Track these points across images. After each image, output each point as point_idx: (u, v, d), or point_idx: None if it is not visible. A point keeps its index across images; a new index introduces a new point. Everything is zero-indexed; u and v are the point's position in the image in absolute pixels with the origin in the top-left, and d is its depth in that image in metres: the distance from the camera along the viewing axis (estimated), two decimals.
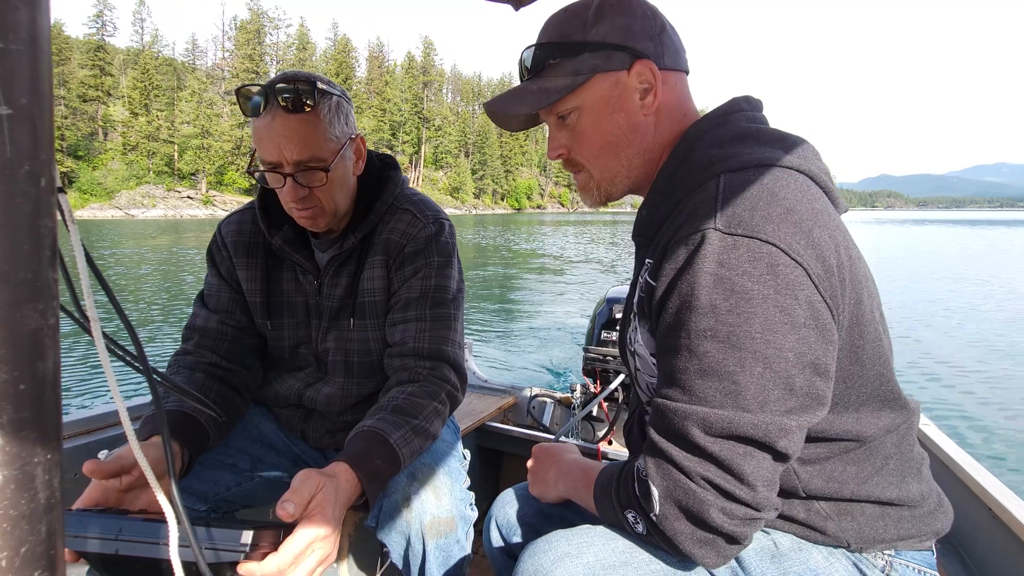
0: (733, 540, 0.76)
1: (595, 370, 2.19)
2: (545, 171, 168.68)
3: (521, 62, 0.94)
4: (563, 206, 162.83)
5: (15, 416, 0.36)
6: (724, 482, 0.74)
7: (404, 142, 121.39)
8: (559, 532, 0.87)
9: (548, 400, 2.40)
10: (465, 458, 1.37)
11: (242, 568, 0.74)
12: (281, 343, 1.37)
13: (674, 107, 0.92)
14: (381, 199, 1.31)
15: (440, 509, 1.15)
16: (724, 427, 0.73)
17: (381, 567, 1.50)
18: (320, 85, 1.15)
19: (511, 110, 0.92)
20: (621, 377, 2.11)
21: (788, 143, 0.86)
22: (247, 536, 0.73)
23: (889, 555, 0.85)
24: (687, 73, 0.95)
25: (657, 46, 0.89)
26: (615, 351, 2.18)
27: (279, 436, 1.44)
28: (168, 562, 0.62)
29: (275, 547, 0.78)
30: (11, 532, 0.37)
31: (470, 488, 1.29)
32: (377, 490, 1.03)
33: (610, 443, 2.11)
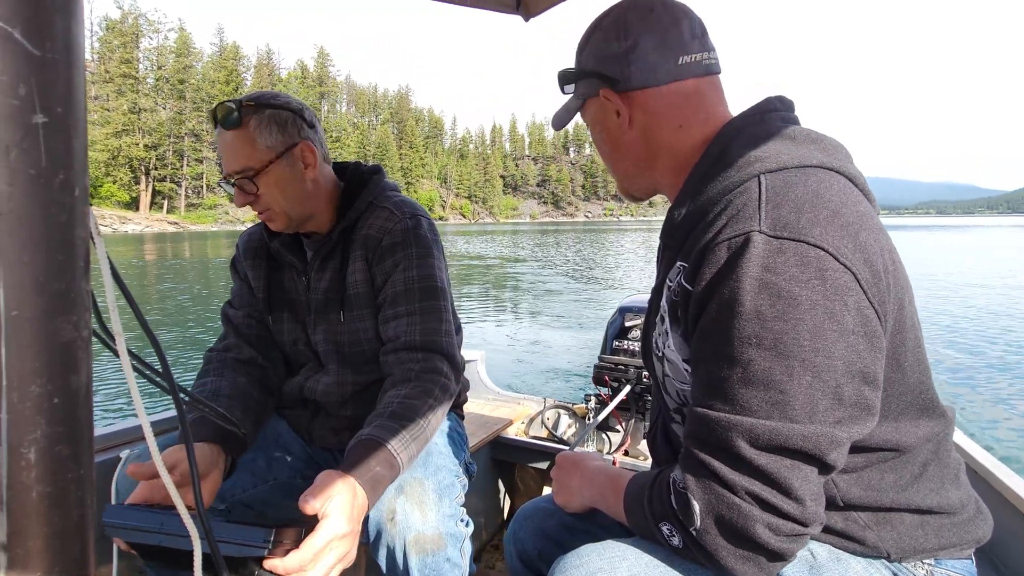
0: (778, 557, 0.73)
1: (607, 380, 2.19)
2: (445, 183, 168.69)
3: None
4: (464, 217, 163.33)
5: (48, 431, 0.36)
6: (771, 496, 0.70)
7: None
8: (590, 546, 0.85)
9: (562, 411, 2.38)
10: (468, 471, 1.36)
11: (268, 564, 0.79)
12: (282, 337, 1.46)
13: (661, 122, 0.91)
14: (360, 197, 1.39)
15: (425, 525, 1.13)
16: (771, 439, 0.69)
17: None
18: (247, 102, 1.26)
19: (553, 126, 1.03)
20: (628, 388, 2.12)
21: (824, 144, 0.84)
22: (271, 534, 0.79)
23: (929, 564, 0.83)
24: (709, 74, 0.91)
25: (624, 68, 0.89)
26: (628, 360, 2.17)
27: (292, 438, 1.48)
28: (207, 554, 0.65)
29: (297, 544, 0.83)
30: (45, 550, 0.36)
31: (463, 504, 1.27)
32: (378, 496, 1.03)
33: (626, 454, 2.09)
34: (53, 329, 0.36)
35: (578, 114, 1.00)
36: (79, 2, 0.37)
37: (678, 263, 0.85)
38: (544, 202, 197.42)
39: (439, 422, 1.21)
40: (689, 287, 0.79)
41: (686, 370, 0.85)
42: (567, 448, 2.05)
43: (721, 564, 0.74)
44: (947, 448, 0.86)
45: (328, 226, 1.40)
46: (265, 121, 1.25)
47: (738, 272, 0.71)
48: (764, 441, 0.69)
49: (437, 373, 1.24)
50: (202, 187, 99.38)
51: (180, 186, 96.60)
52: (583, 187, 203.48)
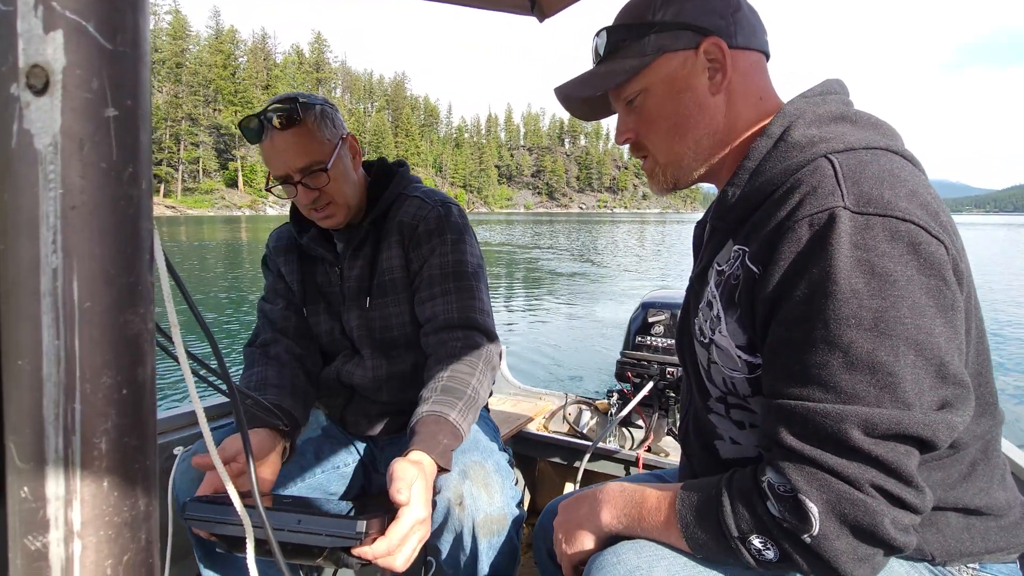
0: (895, 552, 0.68)
1: (629, 376, 2.17)
2: (440, 172, 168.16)
3: (594, 47, 0.92)
4: None
5: (118, 422, 0.36)
6: (894, 487, 0.66)
7: None
8: (626, 544, 0.82)
9: (584, 406, 2.37)
10: (508, 454, 1.40)
11: (357, 551, 0.87)
12: (319, 328, 1.53)
13: (747, 88, 0.88)
14: (390, 188, 1.46)
15: (492, 507, 1.16)
16: (890, 427, 0.65)
17: (428, 570, 1.47)
18: (301, 100, 1.29)
19: (579, 93, 0.90)
20: (651, 384, 2.09)
21: (883, 129, 0.81)
22: (361, 526, 0.85)
23: (974, 568, 0.80)
24: (767, 56, 0.91)
25: (729, 24, 0.85)
26: (651, 356, 2.15)
27: (330, 425, 1.55)
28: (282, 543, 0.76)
29: (382, 532, 0.91)
30: (115, 540, 0.36)
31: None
32: (448, 466, 1.10)
33: (648, 450, 2.07)
34: (123, 321, 0.36)
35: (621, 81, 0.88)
36: None
37: (735, 246, 0.82)
38: (539, 192, 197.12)
39: (487, 393, 1.27)
40: (756, 269, 0.76)
41: (739, 356, 0.82)
42: (589, 444, 2.03)
43: (837, 571, 0.68)
44: (995, 448, 0.83)
45: (360, 217, 1.46)
46: (319, 115, 1.32)
47: (827, 251, 0.67)
48: (882, 430, 0.65)
49: (480, 348, 1.29)
50: (198, 171, 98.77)
51: (177, 170, 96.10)
52: (578, 178, 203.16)
